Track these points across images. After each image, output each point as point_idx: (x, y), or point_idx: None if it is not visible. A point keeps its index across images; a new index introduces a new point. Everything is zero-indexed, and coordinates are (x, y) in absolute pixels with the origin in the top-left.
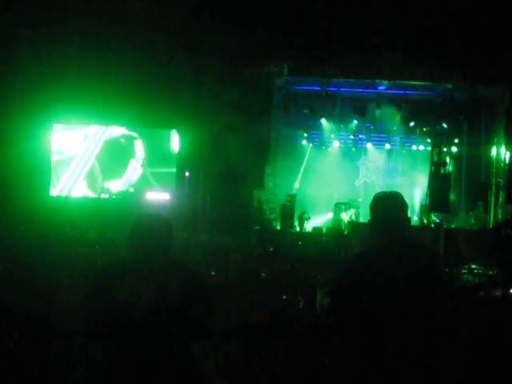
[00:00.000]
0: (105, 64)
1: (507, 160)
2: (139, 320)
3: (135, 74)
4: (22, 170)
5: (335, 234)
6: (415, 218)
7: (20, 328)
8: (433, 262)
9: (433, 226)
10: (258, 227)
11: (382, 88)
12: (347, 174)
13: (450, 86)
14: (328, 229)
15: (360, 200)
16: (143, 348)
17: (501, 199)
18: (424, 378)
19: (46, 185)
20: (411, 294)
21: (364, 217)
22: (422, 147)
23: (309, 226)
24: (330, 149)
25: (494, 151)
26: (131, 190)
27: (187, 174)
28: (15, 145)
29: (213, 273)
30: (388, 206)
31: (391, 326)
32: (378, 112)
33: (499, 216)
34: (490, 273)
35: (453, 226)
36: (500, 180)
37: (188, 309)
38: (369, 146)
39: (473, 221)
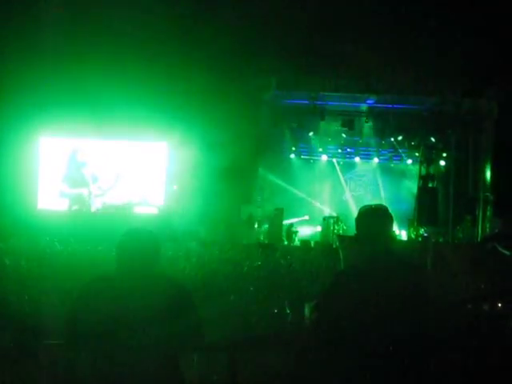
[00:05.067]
0: (94, 77)
1: (495, 174)
2: (125, 334)
3: (123, 87)
4: (9, 185)
5: (323, 248)
6: (403, 233)
7: (7, 340)
8: (418, 276)
9: (420, 240)
10: (245, 241)
11: (370, 102)
12: (335, 187)
13: (438, 100)
14: (316, 242)
15: (347, 213)
16: (129, 361)
17: (488, 213)
18: None
19: (34, 198)
20: (396, 308)
21: (352, 230)
22: (410, 161)
23: (297, 240)
24: (318, 162)
25: (482, 165)
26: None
27: (175, 187)
28: (1, 158)
29: (200, 286)
30: (373, 219)
31: (375, 341)
32: (366, 126)
33: (487, 230)
34: (478, 286)
35: (440, 239)
36: (488, 194)
37: (174, 322)
38: (357, 159)
39: (461, 235)
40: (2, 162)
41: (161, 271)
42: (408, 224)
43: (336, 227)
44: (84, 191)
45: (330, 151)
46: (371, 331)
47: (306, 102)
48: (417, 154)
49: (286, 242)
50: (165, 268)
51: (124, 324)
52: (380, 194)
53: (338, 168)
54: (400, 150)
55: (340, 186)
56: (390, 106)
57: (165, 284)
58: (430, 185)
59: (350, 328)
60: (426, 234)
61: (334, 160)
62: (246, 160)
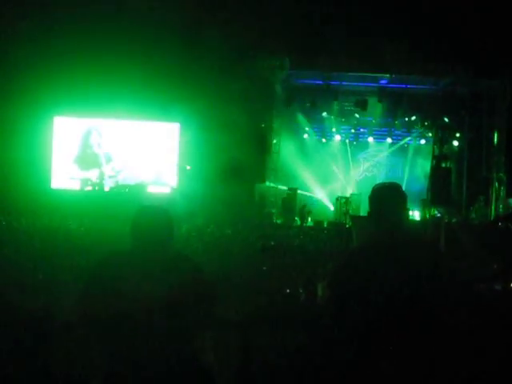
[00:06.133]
0: (106, 58)
1: (508, 154)
2: (139, 312)
3: (137, 67)
4: (24, 163)
5: (336, 228)
6: (416, 213)
7: (22, 322)
8: (431, 255)
9: (433, 220)
10: (259, 221)
11: (383, 82)
12: (348, 167)
13: (451, 80)
14: (329, 222)
15: (361, 193)
16: (143, 340)
17: (502, 193)
18: (424, 372)
19: (47, 177)
20: (409, 286)
21: (365, 210)
22: (423, 141)
23: (310, 220)
24: (331, 142)
25: (495, 145)
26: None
27: (188, 167)
28: (17, 138)
29: (213, 266)
30: (387, 197)
31: (390, 319)
32: (379, 106)
33: (500, 210)
34: (491, 266)
35: (454, 220)
36: (501, 174)
37: (190, 300)
38: (370, 139)
39: (474, 215)
40: (16, 141)
41: (175, 250)
42: (421, 204)
43: (347, 207)
44: (95, 172)
45: (343, 131)
46: (384, 307)
47: (320, 81)
48: (430, 135)
49: (299, 222)
50: (179, 247)
51: (138, 301)
52: (393, 174)
53: (350, 148)
54: (413, 130)
55: (353, 166)
56: (404, 86)
57: (180, 261)
58: (444, 165)
59: (362, 304)
60: (439, 215)
61: (347, 140)
62: (259, 140)
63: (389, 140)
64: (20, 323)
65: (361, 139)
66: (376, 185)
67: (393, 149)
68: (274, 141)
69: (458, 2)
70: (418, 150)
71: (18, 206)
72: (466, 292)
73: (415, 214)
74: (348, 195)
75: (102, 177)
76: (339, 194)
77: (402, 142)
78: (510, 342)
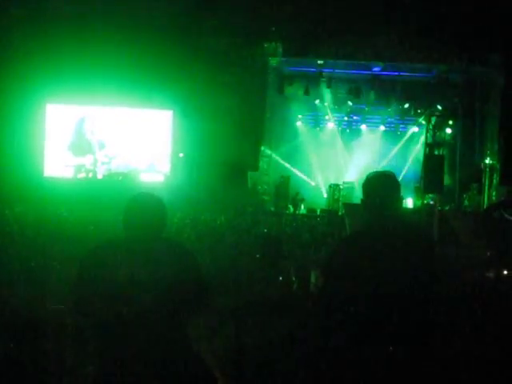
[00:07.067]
0: (99, 45)
1: (501, 142)
2: (133, 298)
3: (130, 55)
4: (16, 152)
5: (329, 215)
6: (409, 200)
7: (14, 310)
8: (425, 242)
9: (426, 207)
10: (251, 208)
11: (376, 69)
12: (341, 155)
13: (445, 67)
14: (322, 210)
15: (354, 181)
16: (137, 326)
17: (494, 181)
18: (417, 357)
19: (40, 166)
20: (403, 272)
21: (358, 198)
22: (416, 129)
23: (303, 207)
24: (324, 130)
25: (488, 133)
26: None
27: (181, 154)
28: (9, 126)
29: (206, 253)
30: (380, 184)
31: (384, 306)
32: (372, 93)
33: (493, 198)
34: (483, 254)
35: (447, 207)
36: (494, 162)
37: (183, 286)
38: (363, 127)
39: (466, 202)
40: (9, 129)
41: (167, 237)
42: (414, 191)
43: (337, 194)
44: (88, 159)
45: (337, 119)
46: (379, 294)
47: (313, 69)
48: (423, 122)
49: (292, 210)
50: (171, 235)
51: (131, 289)
52: (386, 162)
53: (344, 136)
54: (406, 118)
55: (346, 154)
56: (397, 73)
57: (173, 248)
58: (436, 152)
59: (356, 291)
60: (432, 202)
61: (340, 128)
62: (253, 127)
63: (382, 127)
64: (12, 311)
65: (354, 127)
66: (370, 172)
67: (386, 136)
68: (267, 128)
69: None
70: (411, 137)
71: (11, 194)
72: (459, 279)
73: (408, 202)
74: (341, 183)
75: (95, 163)
76: (332, 182)
77: (394, 130)
78: (502, 326)
